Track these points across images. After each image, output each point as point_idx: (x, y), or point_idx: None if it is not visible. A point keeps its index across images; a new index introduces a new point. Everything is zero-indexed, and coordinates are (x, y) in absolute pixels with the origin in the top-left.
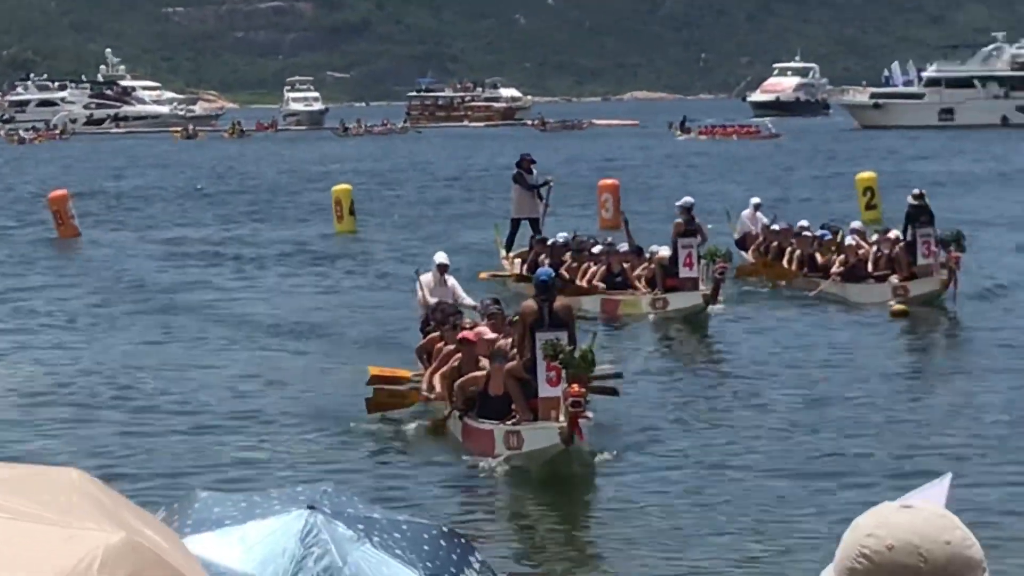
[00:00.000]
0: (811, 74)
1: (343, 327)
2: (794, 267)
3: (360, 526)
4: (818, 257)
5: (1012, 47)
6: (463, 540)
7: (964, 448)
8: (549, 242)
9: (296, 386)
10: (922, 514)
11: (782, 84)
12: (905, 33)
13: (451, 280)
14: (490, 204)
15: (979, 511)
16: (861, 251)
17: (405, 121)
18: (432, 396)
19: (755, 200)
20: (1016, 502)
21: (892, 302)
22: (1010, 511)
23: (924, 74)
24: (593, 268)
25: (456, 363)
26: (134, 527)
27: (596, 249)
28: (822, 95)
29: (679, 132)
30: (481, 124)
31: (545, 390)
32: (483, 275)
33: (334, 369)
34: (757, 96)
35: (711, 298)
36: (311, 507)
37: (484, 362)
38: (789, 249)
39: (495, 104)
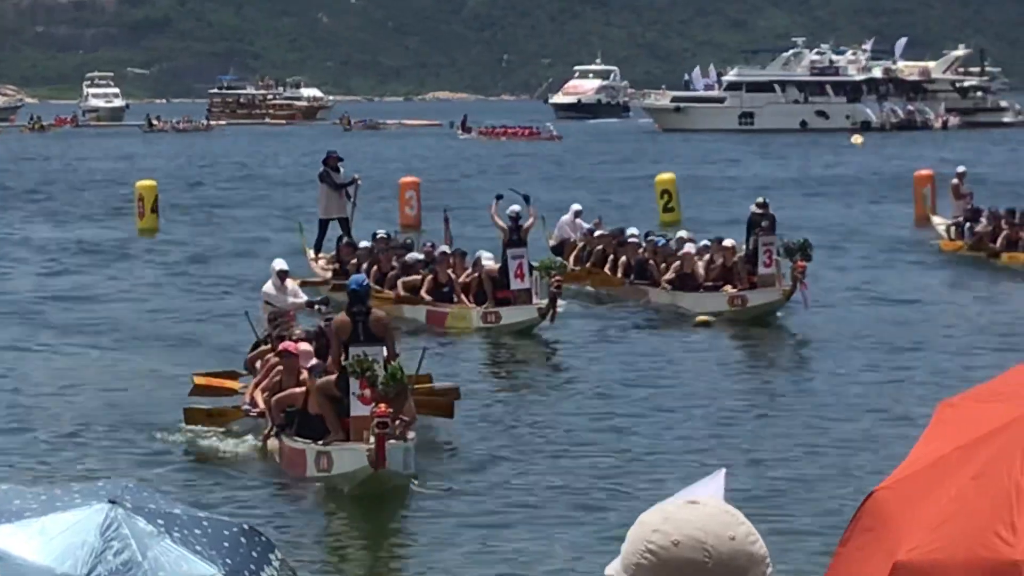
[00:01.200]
0: (612, 76)
1: (144, 328)
2: (619, 275)
3: (160, 521)
4: (652, 264)
5: (811, 52)
6: (263, 538)
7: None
8: (361, 245)
9: (95, 387)
10: (707, 510)
11: (583, 86)
12: (706, 37)
13: (291, 285)
14: (297, 203)
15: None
16: (697, 260)
17: (206, 119)
18: (254, 412)
19: (576, 207)
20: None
21: (703, 317)
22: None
23: (724, 78)
24: (418, 278)
25: (277, 377)
26: None
27: (414, 255)
28: (623, 98)
29: (460, 131)
30: (282, 122)
31: (356, 408)
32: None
33: (137, 371)
34: (559, 98)
35: (547, 312)
36: (112, 501)
37: (306, 376)
38: (613, 256)
39: (296, 102)
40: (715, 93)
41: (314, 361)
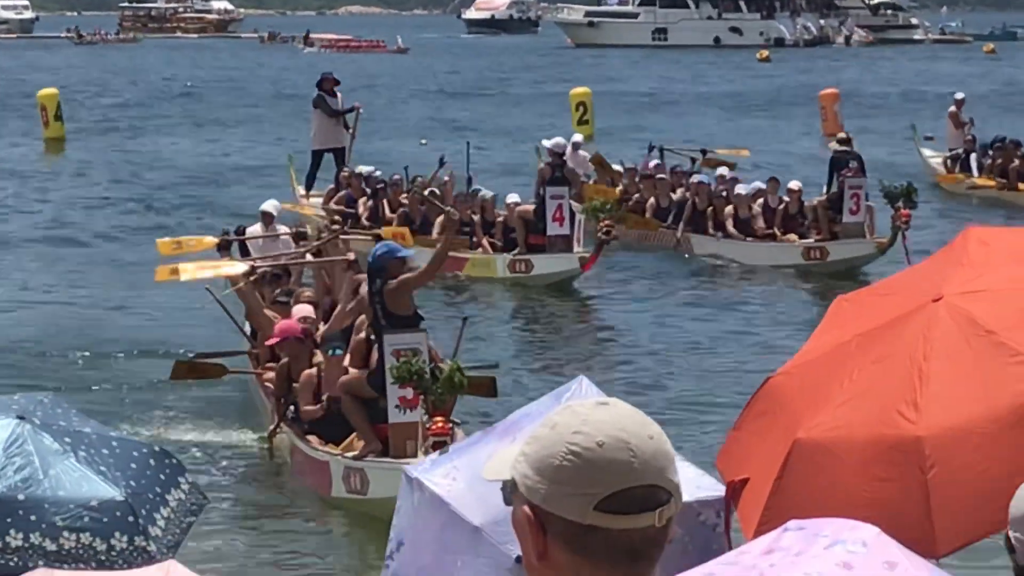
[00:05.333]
0: None
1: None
2: (647, 217)
3: (68, 439)
4: (717, 208)
5: None
6: (174, 461)
7: None
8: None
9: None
10: (622, 411)
11: (495, 1)
12: None
13: (283, 231)
14: (233, 115)
15: None
16: (758, 203)
17: (118, 32)
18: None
19: (576, 137)
20: None
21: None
22: None
23: None
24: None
25: (285, 360)
26: None
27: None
28: (536, 13)
29: (303, 45)
30: (194, 36)
31: (396, 415)
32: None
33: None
34: (471, 13)
35: (590, 258)
36: (21, 417)
37: (320, 357)
38: (639, 196)
39: (207, 16)
40: (629, 8)
41: (317, 325)
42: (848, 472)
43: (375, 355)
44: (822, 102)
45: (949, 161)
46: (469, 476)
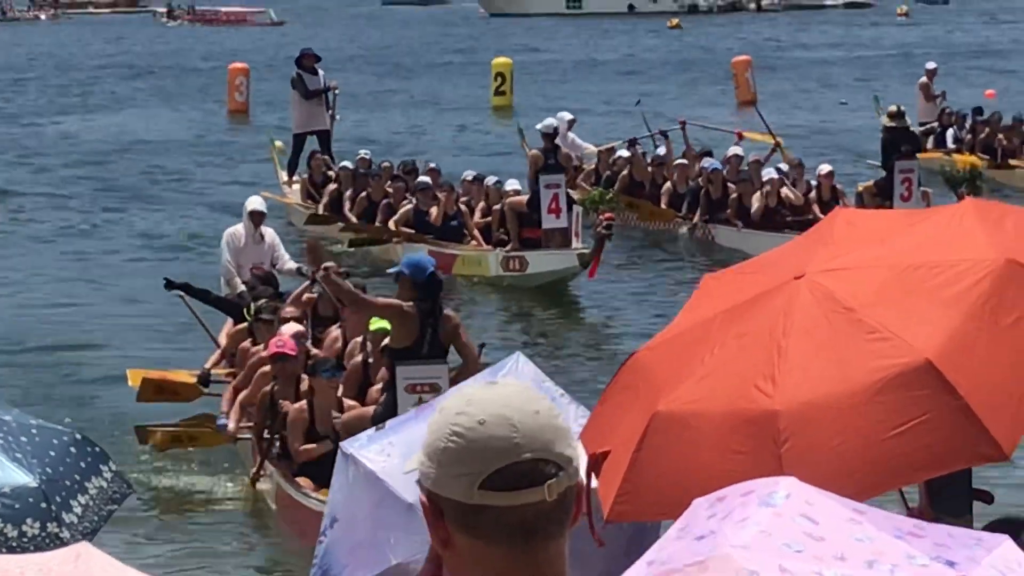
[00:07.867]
0: None
1: None
2: (663, 206)
3: None
4: (709, 193)
5: None
6: (96, 449)
7: None
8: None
9: None
10: (508, 388)
11: None
12: None
13: (270, 234)
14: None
15: None
16: (783, 190)
17: (28, 9)
18: (232, 428)
19: (567, 116)
20: None
21: None
22: None
23: None
24: (408, 207)
25: (267, 386)
26: None
27: (424, 180)
28: None
29: (166, 19)
30: (106, 11)
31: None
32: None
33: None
34: None
35: (590, 259)
36: None
37: (307, 384)
38: (651, 182)
39: None
40: None
41: (331, 338)
42: (704, 445)
43: (375, 387)
44: (734, 69)
45: (922, 137)
46: (404, 453)
